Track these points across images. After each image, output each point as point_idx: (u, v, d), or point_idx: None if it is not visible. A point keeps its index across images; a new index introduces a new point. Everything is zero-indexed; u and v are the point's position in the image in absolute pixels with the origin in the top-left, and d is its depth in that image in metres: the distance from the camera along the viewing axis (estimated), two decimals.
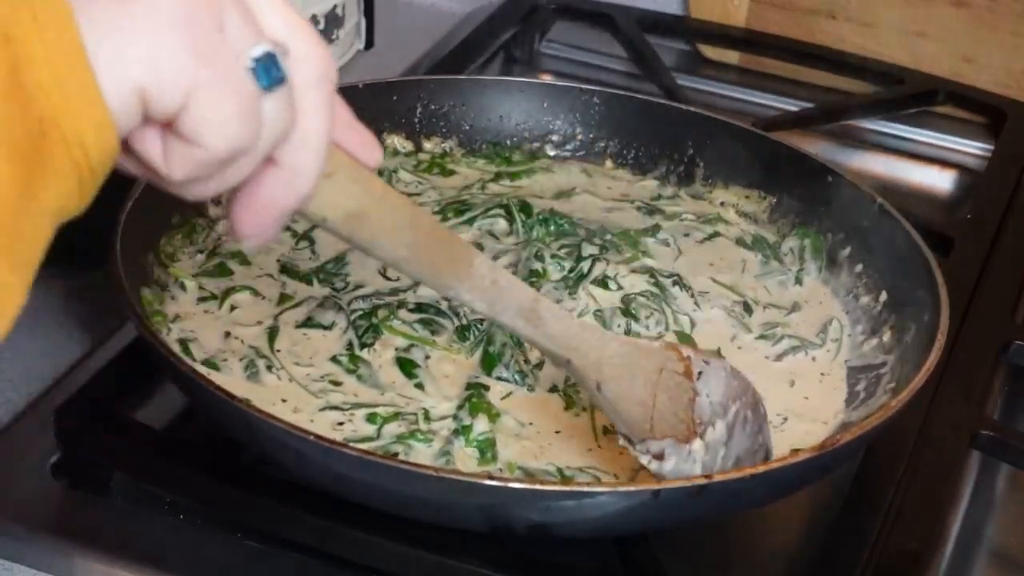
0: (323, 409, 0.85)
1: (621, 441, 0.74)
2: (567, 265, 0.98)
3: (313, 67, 0.57)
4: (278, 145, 0.57)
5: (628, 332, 0.93)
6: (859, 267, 1.00)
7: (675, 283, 0.99)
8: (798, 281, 1.02)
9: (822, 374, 0.93)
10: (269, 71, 0.55)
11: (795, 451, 0.81)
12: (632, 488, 0.73)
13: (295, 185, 0.59)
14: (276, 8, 0.56)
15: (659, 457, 0.73)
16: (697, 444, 0.74)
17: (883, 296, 0.97)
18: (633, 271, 0.99)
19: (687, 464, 0.73)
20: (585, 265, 0.98)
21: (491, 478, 0.76)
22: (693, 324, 0.96)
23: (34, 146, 0.49)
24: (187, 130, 0.54)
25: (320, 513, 0.79)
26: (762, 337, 0.96)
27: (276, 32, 0.56)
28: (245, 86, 0.54)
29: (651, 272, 0.99)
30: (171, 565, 0.80)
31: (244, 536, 0.81)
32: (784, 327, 0.97)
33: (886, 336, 0.94)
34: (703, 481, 0.73)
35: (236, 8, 0.54)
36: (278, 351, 0.89)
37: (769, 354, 0.94)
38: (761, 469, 0.74)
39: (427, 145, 1.12)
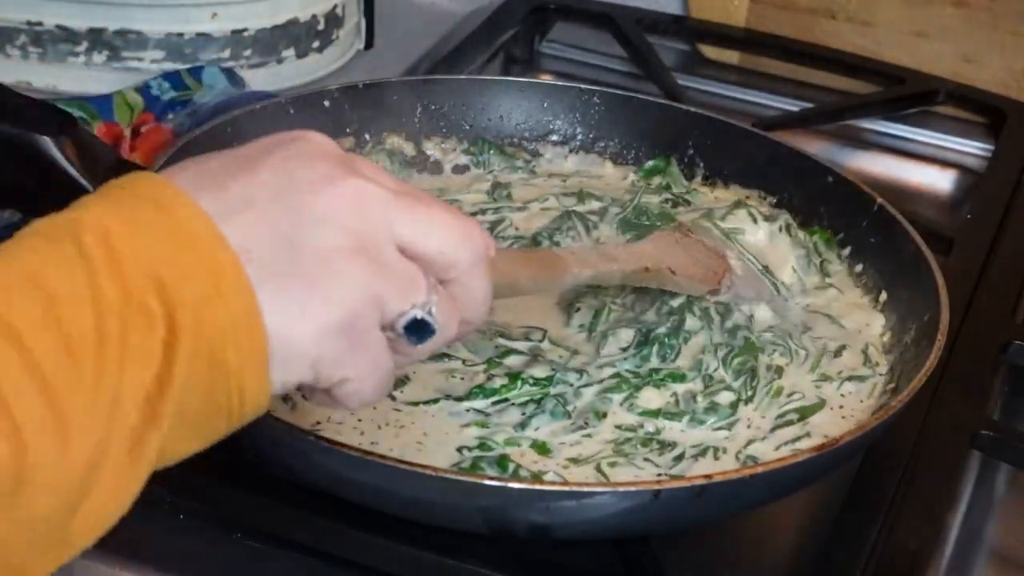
0: None
1: (709, 297, 0.93)
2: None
3: (468, 259, 0.65)
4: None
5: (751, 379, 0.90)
6: (859, 267, 1.00)
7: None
8: (826, 273, 1.01)
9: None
10: (419, 333, 0.64)
11: (795, 451, 0.81)
12: (633, 489, 0.73)
13: (463, 331, 0.68)
14: (422, 222, 0.64)
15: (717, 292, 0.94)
16: (735, 262, 0.96)
17: (883, 296, 0.97)
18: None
19: (739, 283, 0.95)
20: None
21: (490, 478, 0.76)
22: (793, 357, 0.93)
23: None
24: (334, 397, 0.64)
25: (320, 513, 0.79)
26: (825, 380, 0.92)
27: (428, 246, 0.64)
28: (388, 366, 0.64)
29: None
30: (171, 565, 0.80)
31: (244, 536, 0.81)
32: (846, 367, 0.93)
33: (886, 336, 0.94)
34: (703, 481, 0.73)
35: (393, 280, 0.62)
36: None
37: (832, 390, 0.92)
38: (761, 469, 0.74)
39: (427, 145, 1.12)
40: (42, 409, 0.52)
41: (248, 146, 0.63)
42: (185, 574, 0.80)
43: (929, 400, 0.92)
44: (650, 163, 1.11)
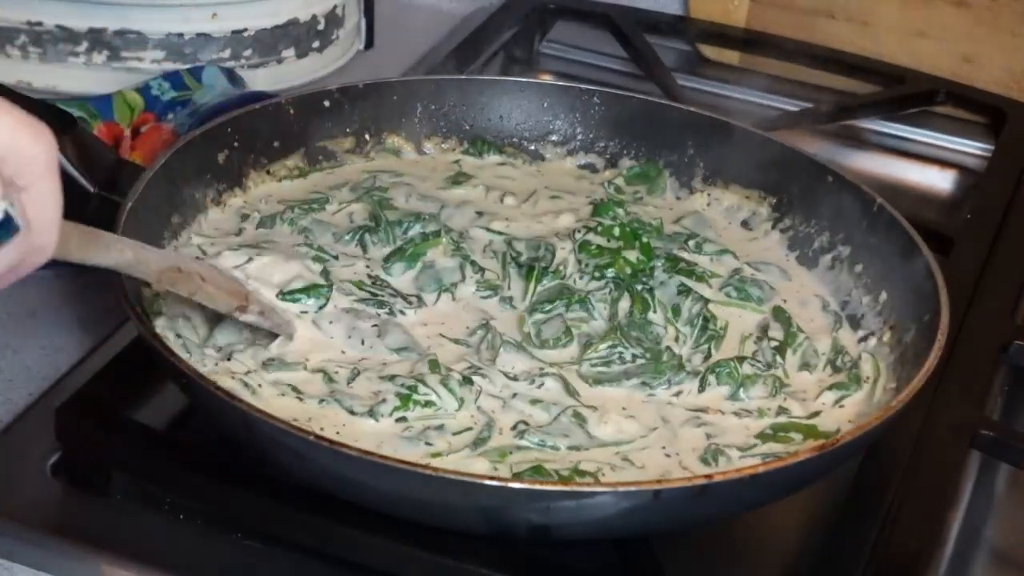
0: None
1: (238, 316, 0.87)
2: None
3: (42, 159, 0.62)
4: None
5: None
6: (859, 267, 1.00)
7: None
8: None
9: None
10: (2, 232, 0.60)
11: (794, 452, 0.81)
12: (633, 489, 0.73)
13: (35, 260, 0.65)
14: None
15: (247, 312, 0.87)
16: (253, 285, 0.90)
17: (883, 296, 0.97)
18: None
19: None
20: None
21: (490, 478, 0.76)
22: None
23: None
24: None
25: (320, 513, 0.79)
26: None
27: None
28: None
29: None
30: (171, 565, 0.80)
31: (244, 536, 0.81)
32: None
33: (886, 336, 0.94)
34: (703, 481, 0.73)
35: None
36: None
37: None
38: (761, 469, 0.74)
39: (427, 145, 1.12)
40: None
41: None
42: (185, 574, 0.80)
43: (929, 400, 0.92)
44: (637, 168, 1.11)
